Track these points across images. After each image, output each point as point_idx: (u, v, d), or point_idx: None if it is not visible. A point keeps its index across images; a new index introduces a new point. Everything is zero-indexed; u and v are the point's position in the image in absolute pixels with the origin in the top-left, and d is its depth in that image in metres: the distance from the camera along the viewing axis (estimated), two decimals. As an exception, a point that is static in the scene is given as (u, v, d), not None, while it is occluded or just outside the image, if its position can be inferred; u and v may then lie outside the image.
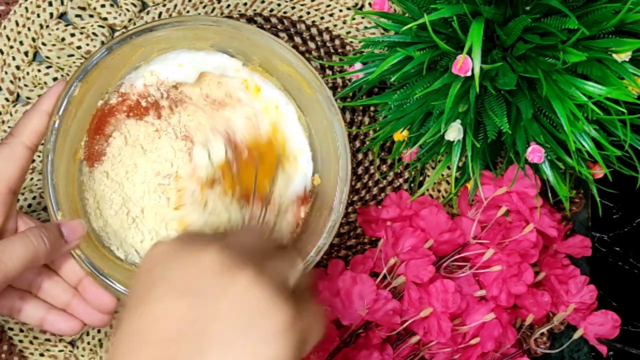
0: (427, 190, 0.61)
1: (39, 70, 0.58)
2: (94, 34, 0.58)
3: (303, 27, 0.60)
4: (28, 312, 0.47)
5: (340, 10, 0.61)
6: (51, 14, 0.58)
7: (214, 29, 0.49)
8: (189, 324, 0.29)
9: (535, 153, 0.48)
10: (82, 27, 0.58)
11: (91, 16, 0.58)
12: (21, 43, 0.58)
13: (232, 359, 0.28)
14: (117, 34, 0.59)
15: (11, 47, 0.58)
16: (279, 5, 0.60)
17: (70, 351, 0.57)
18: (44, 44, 0.58)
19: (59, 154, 0.47)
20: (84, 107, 0.49)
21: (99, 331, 0.57)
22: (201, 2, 0.59)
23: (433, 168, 0.61)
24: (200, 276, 0.30)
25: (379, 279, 0.54)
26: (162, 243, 0.33)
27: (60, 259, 0.48)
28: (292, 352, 0.29)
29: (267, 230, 0.38)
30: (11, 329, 0.57)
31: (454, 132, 0.48)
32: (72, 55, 0.58)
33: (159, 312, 0.30)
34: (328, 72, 0.60)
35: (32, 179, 0.58)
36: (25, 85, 0.58)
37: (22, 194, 0.57)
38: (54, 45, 0.58)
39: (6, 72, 0.58)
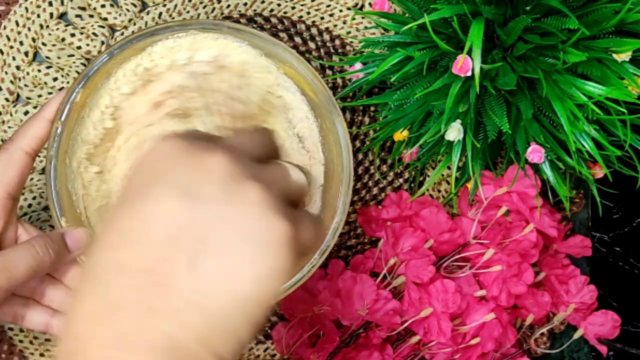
0: (427, 190, 0.61)
1: (39, 71, 0.58)
2: (94, 34, 0.58)
3: (303, 27, 0.60)
4: (32, 318, 0.47)
5: (341, 11, 0.61)
6: (51, 14, 0.58)
7: (214, 33, 0.49)
8: (185, 228, 0.28)
9: (535, 153, 0.48)
10: (82, 27, 0.58)
11: (91, 16, 0.58)
12: (21, 43, 0.58)
13: (227, 267, 0.27)
14: (118, 38, 0.59)
15: (11, 47, 0.58)
16: (279, 5, 0.60)
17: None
18: (44, 44, 0.58)
19: (61, 160, 0.47)
20: (87, 112, 0.49)
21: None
22: (201, 2, 0.59)
23: (433, 168, 0.61)
24: (205, 181, 0.29)
25: (379, 279, 0.54)
26: (168, 139, 0.30)
27: (63, 266, 0.48)
28: (288, 265, 0.29)
29: (256, 132, 0.36)
30: (11, 329, 0.57)
31: (454, 132, 0.48)
32: (72, 56, 0.58)
33: (155, 212, 0.28)
34: (328, 72, 0.60)
35: (32, 179, 0.58)
36: (25, 86, 0.58)
37: (22, 194, 0.57)
38: (54, 45, 0.58)
39: (6, 72, 0.58)
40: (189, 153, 0.30)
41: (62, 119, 0.46)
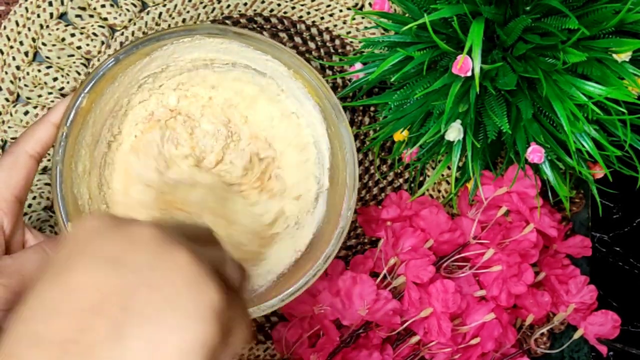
0: (427, 190, 0.61)
1: (39, 70, 0.58)
2: (94, 34, 0.58)
3: (303, 27, 0.60)
4: None
5: (341, 11, 0.61)
6: (51, 14, 0.58)
7: (220, 38, 0.49)
8: (109, 297, 0.26)
9: (535, 153, 0.48)
10: (82, 27, 0.58)
11: (91, 16, 0.58)
12: (21, 43, 0.58)
13: (152, 337, 0.26)
14: (118, 39, 0.59)
15: (11, 47, 0.58)
16: (279, 5, 0.60)
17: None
18: (44, 44, 0.58)
19: (67, 165, 0.47)
20: (92, 117, 0.49)
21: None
22: (201, 2, 0.59)
23: (433, 168, 0.61)
24: (132, 249, 0.28)
25: (379, 279, 0.54)
26: (93, 217, 0.30)
27: None
28: (215, 339, 0.27)
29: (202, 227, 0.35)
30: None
31: (454, 132, 0.48)
32: (72, 56, 0.58)
33: (79, 281, 0.27)
34: (328, 72, 0.60)
35: (32, 179, 0.58)
36: (25, 86, 0.58)
37: (22, 194, 0.57)
38: (54, 45, 0.58)
39: (6, 72, 0.58)
40: (113, 226, 0.29)
41: (68, 123, 0.46)
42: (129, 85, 0.50)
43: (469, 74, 0.44)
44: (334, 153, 0.51)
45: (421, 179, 0.61)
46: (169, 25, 0.59)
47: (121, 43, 0.58)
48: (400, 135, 0.52)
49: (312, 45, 0.60)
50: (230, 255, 0.32)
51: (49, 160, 0.58)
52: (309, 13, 0.61)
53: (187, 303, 0.27)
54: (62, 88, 0.58)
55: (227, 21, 0.59)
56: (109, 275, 0.27)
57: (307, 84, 0.50)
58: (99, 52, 0.58)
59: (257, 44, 0.49)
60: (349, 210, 0.48)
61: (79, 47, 0.58)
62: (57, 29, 0.58)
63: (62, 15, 0.58)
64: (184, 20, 0.59)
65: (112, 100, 0.50)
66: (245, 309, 0.31)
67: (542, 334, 0.59)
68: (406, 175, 0.61)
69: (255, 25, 0.60)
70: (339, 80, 0.60)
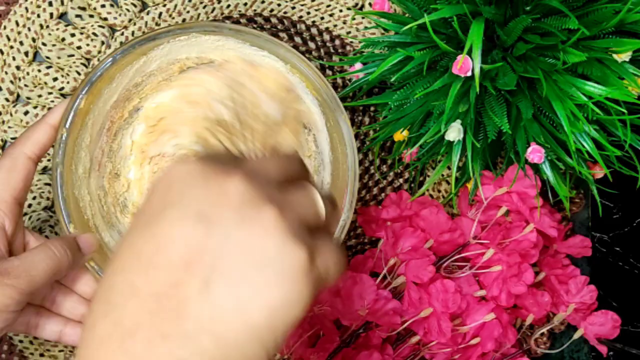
0: (427, 190, 0.61)
1: (39, 70, 0.58)
2: (94, 34, 0.58)
3: (303, 27, 0.60)
4: (45, 327, 0.47)
5: (341, 11, 0.61)
6: (51, 14, 0.58)
7: (216, 35, 0.49)
8: (200, 253, 0.27)
9: (535, 153, 0.48)
10: (82, 27, 0.58)
11: (91, 16, 0.58)
12: (21, 43, 0.58)
13: (240, 296, 0.27)
14: (118, 39, 0.59)
15: (11, 47, 0.58)
16: (279, 5, 0.60)
17: (70, 351, 0.57)
18: (44, 44, 0.58)
19: (67, 166, 0.47)
20: (91, 118, 0.49)
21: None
22: (201, 2, 0.59)
23: (433, 168, 0.61)
24: (222, 205, 0.28)
25: (379, 279, 0.54)
26: (185, 162, 0.30)
27: (72, 273, 0.48)
28: (304, 297, 0.28)
29: (282, 155, 0.35)
30: (10, 330, 0.57)
31: (454, 132, 0.48)
32: (72, 56, 0.58)
33: (170, 235, 0.28)
34: (328, 72, 0.60)
35: (32, 179, 0.58)
36: (25, 86, 0.58)
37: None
38: (54, 45, 0.58)
39: (6, 72, 0.58)
40: (206, 176, 0.29)
41: (67, 125, 0.46)
42: (126, 85, 0.50)
43: (469, 74, 0.44)
44: (333, 147, 0.51)
45: (421, 179, 0.61)
46: (169, 25, 0.59)
47: (121, 43, 0.58)
48: (400, 135, 0.52)
49: (312, 45, 0.60)
50: (317, 188, 0.32)
51: (48, 160, 0.58)
52: (309, 13, 0.61)
53: (274, 264, 0.27)
54: (62, 88, 0.58)
55: (227, 21, 0.59)
56: (199, 232, 0.27)
57: (305, 79, 0.50)
58: (99, 52, 0.58)
59: (253, 40, 0.49)
60: (351, 204, 0.48)
61: (79, 47, 0.58)
62: (57, 29, 0.58)
63: (62, 15, 0.58)
64: (183, 20, 0.59)
65: (110, 101, 0.50)
66: (334, 244, 0.31)
67: (542, 334, 0.59)
68: (406, 175, 0.61)
69: (255, 25, 0.60)
70: (339, 80, 0.60)
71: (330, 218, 0.33)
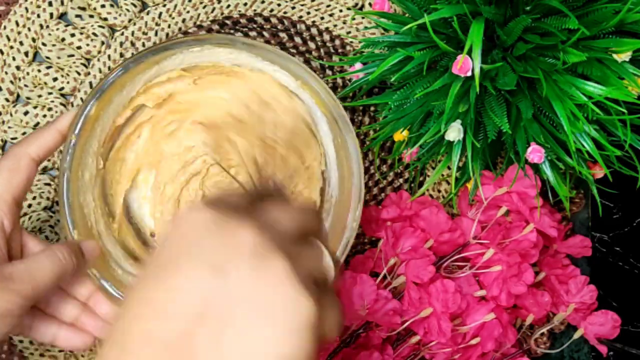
0: (427, 190, 0.61)
1: (39, 71, 0.58)
2: (94, 34, 0.58)
3: (303, 27, 0.60)
4: (39, 329, 0.47)
5: (341, 11, 0.61)
6: (51, 14, 0.58)
7: (229, 48, 0.49)
8: (211, 303, 0.28)
9: (535, 153, 0.48)
10: (82, 27, 0.58)
11: (91, 16, 0.58)
12: (21, 43, 0.58)
13: (250, 348, 0.27)
14: (118, 39, 0.59)
15: (11, 47, 0.58)
16: (279, 5, 0.60)
17: (70, 351, 0.57)
18: (44, 44, 0.58)
19: (74, 172, 0.47)
20: (100, 125, 0.49)
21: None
22: (201, 2, 0.59)
23: (433, 168, 0.61)
24: (234, 255, 0.28)
25: (379, 279, 0.54)
26: (198, 209, 0.30)
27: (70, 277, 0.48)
28: (310, 350, 0.28)
29: (298, 208, 0.34)
30: (12, 333, 0.57)
31: (454, 132, 0.48)
32: (72, 56, 0.58)
33: (182, 285, 0.28)
34: (328, 72, 0.60)
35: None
36: (25, 86, 0.58)
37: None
38: (54, 45, 0.58)
39: (6, 72, 0.58)
40: (220, 226, 0.29)
41: (77, 131, 0.46)
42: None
43: (469, 74, 0.44)
44: (340, 164, 0.51)
45: (421, 179, 0.61)
46: (169, 25, 0.59)
47: (121, 43, 0.58)
48: (400, 135, 0.53)
49: (312, 45, 0.60)
50: (326, 245, 0.33)
51: (48, 160, 0.58)
52: (309, 13, 0.61)
53: (284, 317, 0.28)
54: (62, 88, 0.58)
55: (227, 21, 0.59)
56: (212, 283, 0.28)
57: (315, 95, 0.49)
58: (99, 52, 0.58)
59: (265, 54, 0.49)
60: (355, 222, 0.48)
61: (79, 47, 0.58)
62: (57, 29, 0.58)
63: (62, 15, 0.58)
64: (184, 21, 0.59)
65: (119, 108, 0.50)
66: (337, 297, 0.32)
67: (542, 334, 0.59)
68: (406, 175, 0.61)
69: (255, 25, 0.60)
70: (339, 80, 0.60)
71: (335, 273, 0.33)
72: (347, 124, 0.48)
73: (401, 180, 0.61)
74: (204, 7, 0.59)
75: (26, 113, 0.58)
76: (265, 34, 0.60)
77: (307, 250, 0.32)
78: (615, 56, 0.45)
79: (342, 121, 0.48)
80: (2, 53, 0.58)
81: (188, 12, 0.59)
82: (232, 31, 0.59)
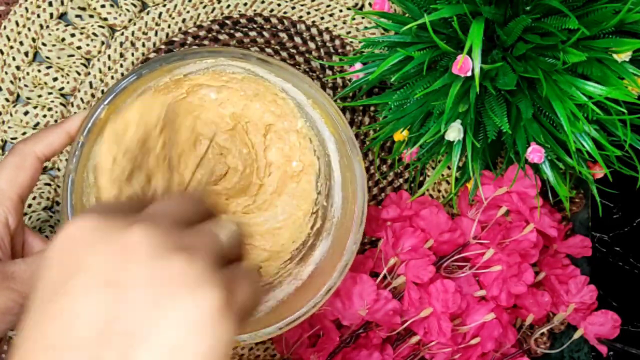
0: (427, 190, 0.61)
1: (39, 71, 0.58)
2: (94, 34, 0.58)
3: (303, 27, 0.60)
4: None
5: (340, 11, 0.61)
6: (51, 14, 0.58)
7: (242, 62, 0.49)
8: (113, 322, 0.25)
9: (535, 153, 0.48)
10: (82, 27, 0.58)
11: (91, 16, 0.58)
12: (21, 43, 0.58)
13: (163, 356, 0.25)
14: (118, 39, 0.59)
15: (11, 47, 0.58)
16: (279, 5, 0.60)
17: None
18: (44, 44, 0.58)
19: (80, 174, 0.47)
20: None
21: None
22: (201, 3, 0.59)
23: (433, 168, 0.61)
24: (127, 261, 0.26)
25: (379, 279, 0.54)
26: (79, 220, 0.27)
27: None
28: (227, 335, 0.26)
29: (193, 195, 0.32)
30: (11, 329, 0.57)
31: (454, 132, 0.48)
32: (72, 56, 0.58)
33: (77, 310, 0.25)
34: (328, 72, 0.60)
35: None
36: (25, 86, 0.58)
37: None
38: (54, 45, 0.58)
39: (6, 72, 0.58)
40: (105, 232, 0.27)
41: (85, 133, 0.46)
42: None
43: (469, 74, 0.44)
44: (344, 186, 0.51)
45: (421, 179, 0.61)
46: (169, 25, 0.59)
47: (121, 43, 0.58)
48: (400, 135, 0.53)
49: (312, 45, 0.60)
50: (219, 223, 0.31)
51: (48, 160, 0.58)
52: (309, 13, 0.61)
53: (192, 314, 0.26)
54: (62, 88, 0.58)
55: (227, 21, 0.59)
56: (110, 300, 0.26)
57: (325, 115, 0.49)
58: (99, 52, 0.58)
59: (278, 71, 0.49)
60: (355, 245, 0.48)
61: (79, 47, 0.58)
62: (57, 29, 0.58)
63: (62, 15, 0.58)
64: (184, 21, 0.59)
65: None
66: (248, 269, 0.30)
67: (542, 334, 0.59)
68: (406, 175, 0.61)
69: (255, 25, 0.60)
70: (339, 80, 0.60)
71: (240, 240, 0.32)
72: (355, 147, 0.48)
73: (401, 180, 0.61)
74: (204, 7, 0.59)
75: (26, 113, 0.58)
76: (265, 34, 0.60)
77: (202, 231, 0.30)
78: (615, 56, 0.45)
79: (350, 144, 0.48)
80: (2, 53, 0.58)
81: (188, 12, 0.59)
82: (232, 31, 0.59)
